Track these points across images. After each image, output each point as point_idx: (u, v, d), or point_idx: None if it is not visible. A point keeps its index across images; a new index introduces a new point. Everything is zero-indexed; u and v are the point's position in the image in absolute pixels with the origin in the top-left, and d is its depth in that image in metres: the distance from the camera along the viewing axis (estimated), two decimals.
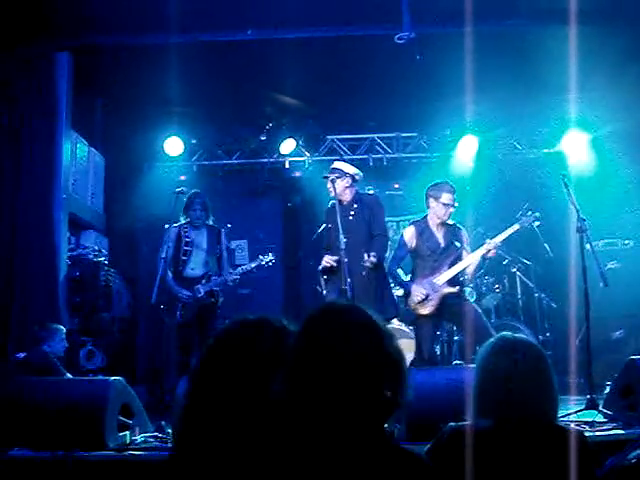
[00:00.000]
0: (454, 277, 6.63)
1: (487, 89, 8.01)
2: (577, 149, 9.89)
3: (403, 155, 10.53)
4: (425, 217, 6.92)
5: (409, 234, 6.82)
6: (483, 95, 8.23)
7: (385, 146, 10.51)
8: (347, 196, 7.11)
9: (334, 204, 7.16)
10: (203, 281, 7.34)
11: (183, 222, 7.48)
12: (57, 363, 6.53)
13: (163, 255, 6.92)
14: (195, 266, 7.41)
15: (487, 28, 7.45)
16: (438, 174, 10.28)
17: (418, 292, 6.53)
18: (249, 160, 10.48)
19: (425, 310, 6.52)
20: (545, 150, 10.30)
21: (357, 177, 7.22)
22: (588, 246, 6.37)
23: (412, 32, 6.71)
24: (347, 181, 7.13)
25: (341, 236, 6.57)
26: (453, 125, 10.08)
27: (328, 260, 6.87)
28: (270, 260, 7.42)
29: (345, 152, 10.49)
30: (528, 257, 9.16)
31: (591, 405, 5.55)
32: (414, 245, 6.79)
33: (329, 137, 10.52)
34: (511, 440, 2.36)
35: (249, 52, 8.01)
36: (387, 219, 10.36)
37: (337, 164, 7.32)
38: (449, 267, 6.64)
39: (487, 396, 2.47)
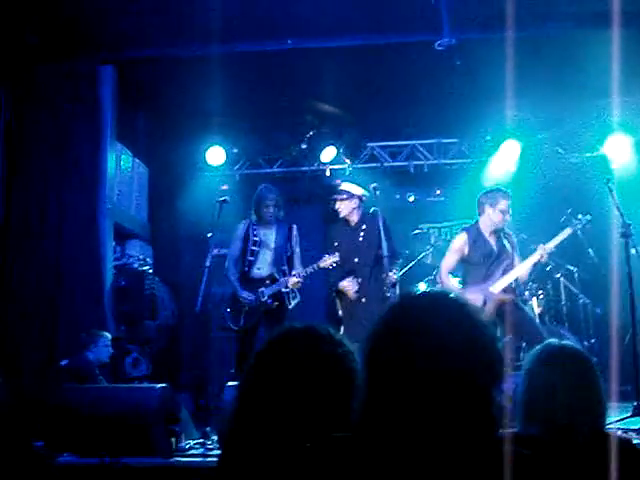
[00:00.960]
0: (509, 284, 6.58)
1: (528, 93, 7.96)
2: (620, 152, 9.75)
3: (444, 161, 10.46)
4: (477, 223, 6.83)
5: (461, 241, 6.73)
6: (524, 99, 8.18)
7: (426, 152, 10.47)
8: (355, 217, 7.24)
9: (341, 223, 7.38)
10: (267, 282, 7.03)
11: (252, 219, 7.25)
12: (95, 370, 6.63)
13: (231, 254, 7.14)
14: (262, 266, 7.09)
15: (527, 32, 7.40)
16: (479, 180, 10.28)
17: (474, 300, 6.28)
18: (290, 168, 10.50)
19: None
20: (588, 154, 10.16)
21: (364, 198, 7.27)
22: (633, 251, 6.31)
23: (452, 38, 6.70)
24: (355, 202, 7.23)
25: (384, 243, 6.65)
26: (494, 130, 10.01)
27: (350, 286, 6.97)
28: (335, 261, 6.90)
29: (385, 159, 10.48)
30: (572, 262, 9.05)
31: (637, 412, 5.49)
32: (466, 252, 6.70)
33: (369, 144, 10.51)
34: (558, 447, 2.35)
35: (289, 61, 8.06)
36: (429, 225, 10.45)
37: (345, 186, 7.35)
38: (502, 274, 6.58)
39: (534, 404, 2.46)
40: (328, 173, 10.44)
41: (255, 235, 7.17)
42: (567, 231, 6.62)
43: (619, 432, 5.05)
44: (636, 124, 9.51)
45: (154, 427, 5.02)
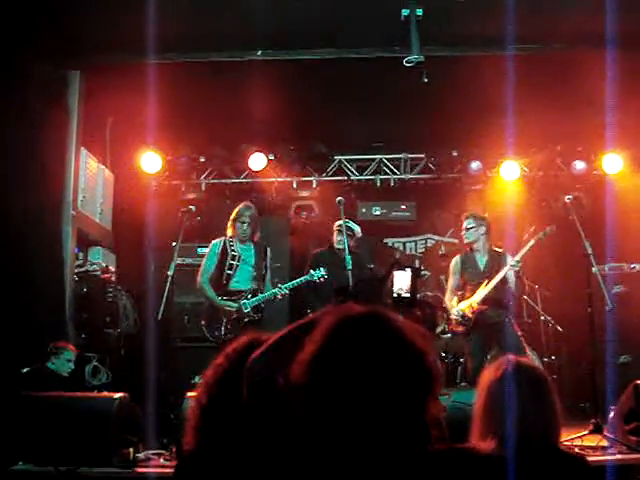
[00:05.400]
0: (491, 298, 7.19)
1: (493, 111, 8.00)
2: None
3: (410, 176, 10.52)
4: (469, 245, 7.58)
5: (454, 263, 7.67)
6: (489, 117, 8.24)
7: (393, 167, 10.52)
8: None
9: (325, 252, 8.06)
10: (249, 296, 7.20)
11: (229, 236, 7.42)
12: (54, 381, 6.51)
13: (206, 268, 7.29)
14: (240, 279, 7.28)
15: (494, 51, 7.49)
16: (446, 196, 10.36)
17: (456, 313, 7.31)
18: (257, 179, 10.47)
19: (459, 328, 7.27)
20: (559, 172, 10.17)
21: None
22: (594, 270, 6.39)
23: (420, 55, 6.74)
24: None
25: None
26: (460, 147, 10.07)
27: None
28: (322, 275, 7.32)
29: (353, 173, 10.51)
30: (534, 280, 9.13)
31: (595, 429, 5.55)
32: (460, 272, 7.55)
33: (337, 158, 10.53)
34: (512, 462, 2.36)
35: (258, 72, 8.04)
36: (394, 240, 10.59)
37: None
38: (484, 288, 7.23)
39: (489, 418, 2.48)
40: (294, 185, 10.43)
41: (234, 250, 7.34)
42: (530, 243, 7.17)
43: (575, 449, 5.10)
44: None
45: (112, 436, 4.97)
